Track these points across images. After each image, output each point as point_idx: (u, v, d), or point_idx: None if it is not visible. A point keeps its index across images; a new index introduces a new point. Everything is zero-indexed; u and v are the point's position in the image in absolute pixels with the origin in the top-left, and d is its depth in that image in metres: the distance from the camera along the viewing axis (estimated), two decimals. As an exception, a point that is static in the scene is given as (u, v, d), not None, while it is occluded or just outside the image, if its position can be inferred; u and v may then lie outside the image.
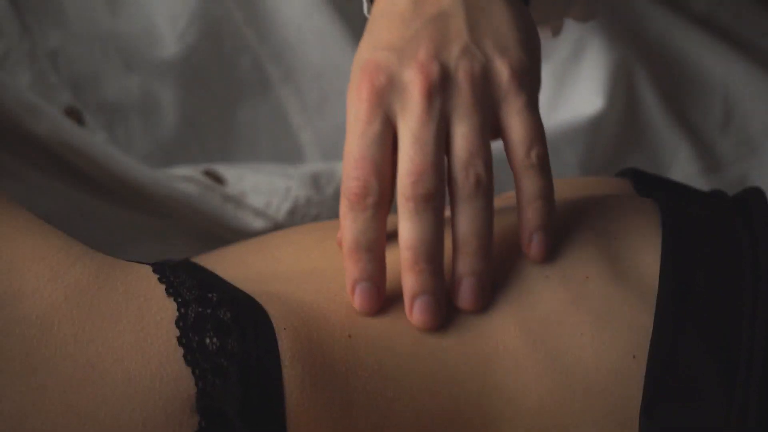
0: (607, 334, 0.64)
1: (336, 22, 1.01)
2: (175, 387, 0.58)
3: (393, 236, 0.68)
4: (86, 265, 0.61)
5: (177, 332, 0.60)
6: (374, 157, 0.66)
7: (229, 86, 1.00)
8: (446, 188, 0.67)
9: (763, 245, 0.67)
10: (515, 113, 0.68)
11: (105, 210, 0.89)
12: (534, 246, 0.67)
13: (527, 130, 0.67)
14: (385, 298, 0.65)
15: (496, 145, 0.70)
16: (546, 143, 0.68)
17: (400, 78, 0.67)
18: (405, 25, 0.68)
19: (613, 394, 0.63)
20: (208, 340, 0.60)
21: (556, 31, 0.87)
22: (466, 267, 0.66)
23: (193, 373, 0.59)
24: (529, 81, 0.68)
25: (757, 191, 0.74)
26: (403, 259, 0.65)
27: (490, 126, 0.68)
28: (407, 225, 0.65)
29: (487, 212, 0.66)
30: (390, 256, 0.67)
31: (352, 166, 0.66)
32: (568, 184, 0.82)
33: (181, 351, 0.59)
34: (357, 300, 0.65)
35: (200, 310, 0.61)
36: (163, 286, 0.62)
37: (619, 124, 1.06)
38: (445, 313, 0.65)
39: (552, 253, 0.67)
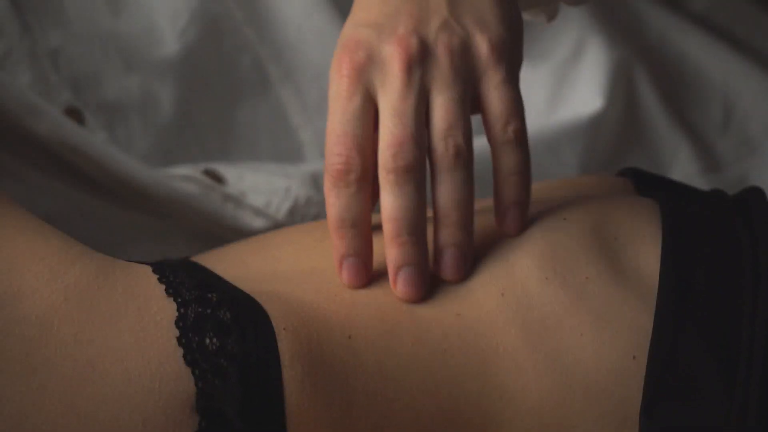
0: (607, 335, 0.64)
1: (336, 21, 1.01)
2: (175, 387, 0.58)
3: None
4: (86, 265, 0.61)
5: (177, 332, 0.60)
6: (355, 133, 0.67)
7: (229, 85, 1.00)
8: (427, 161, 0.67)
9: (763, 245, 0.67)
10: (494, 87, 0.68)
11: (105, 210, 0.89)
12: (509, 220, 0.68)
13: (505, 105, 0.68)
14: (383, 300, 0.65)
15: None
16: (524, 118, 0.69)
17: (380, 53, 0.67)
18: (385, 2, 0.69)
19: (613, 394, 0.63)
20: (207, 341, 0.60)
21: (551, 16, 0.87)
22: (447, 238, 0.67)
23: (193, 373, 0.59)
24: (508, 56, 0.69)
25: (757, 191, 0.74)
26: (386, 232, 0.66)
27: (470, 99, 0.68)
28: (388, 197, 0.66)
29: (467, 183, 0.67)
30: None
31: (333, 143, 0.67)
32: (568, 184, 0.82)
33: (180, 351, 0.59)
34: (344, 275, 0.66)
35: (200, 310, 0.61)
36: (163, 286, 0.62)
37: (619, 124, 1.06)
38: (429, 285, 0.66)
39: (525, 226, 0.68)
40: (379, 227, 0.68)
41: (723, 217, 0.70)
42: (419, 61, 0.67)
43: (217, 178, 0.92)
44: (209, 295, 0.62)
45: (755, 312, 0.65)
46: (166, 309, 0.61)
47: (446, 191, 0.67)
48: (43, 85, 0.91)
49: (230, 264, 0.70)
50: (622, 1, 1.09)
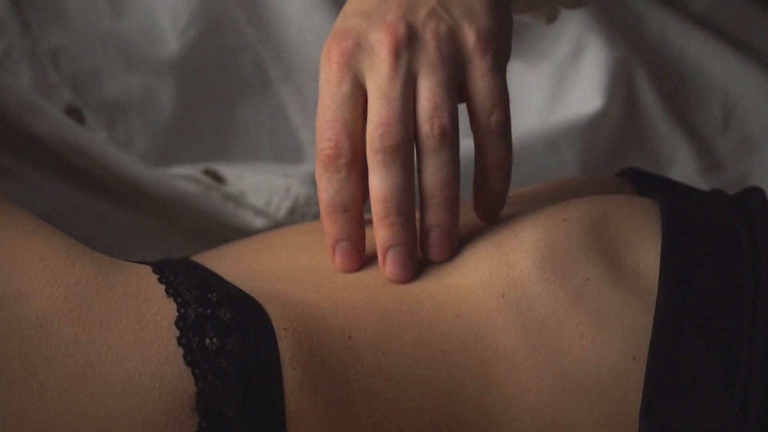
0: (607, 336, 0.64)
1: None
2: (175, 387, 0.58)
3: None
4: (86, 266, 0.61)
5: (177, 332, 0.60)
6: (345, 117, 0.67)
7: (229, 85, 1.00)
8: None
9: (763, 245, 0.67)
10: (479, 76, 0.69)
11: (105, 210, 0.89)
12: (487, 208, 0.70)
13: (489, 94, 0.69)
14: (384, 300, 0.65)
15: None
16: (508, 108, 0.70)
17: (368, 39, 0.68)
18: None
19: (613, 394, 0.63)
20: (208, 341, 0.60)
21: (551, 18, 0.87)
22: (432, 218, 0.67)
23: (193, 373, 0.59)
24: (495, 47, 0.69)
25: (757, 191, 0.74)
26: (374, 213, 0.67)
27: (457, 84, 0.69)
28: (376, 178, 0.67)
29: (453, 164, 0.67)
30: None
31: (323, 128, 0.67)
32: (567, 184, 0.82)
33: (180, 351, 0.59)
34: (337, 259, 0.68)
35: (200, 310, 0.61)
36: (163, 287, 0.62)
37: (619, 124, 1.06)
38: (417, 265, 0.67)
39: (500, 214, 0.70)
40: None
41: (723, 217, 0.70)
42: (407, 46, 0.68)
43: (217, 178, 0.92)
44: (209, 295, 0.62)
45: (755, 312, 0.65)
46: (166, 309, 0.61)
47: (432, 172, 0.67)
48: (44, 84, 0.91)
49: (230, 264, 0.70)
50: (622, 1, 1.09)
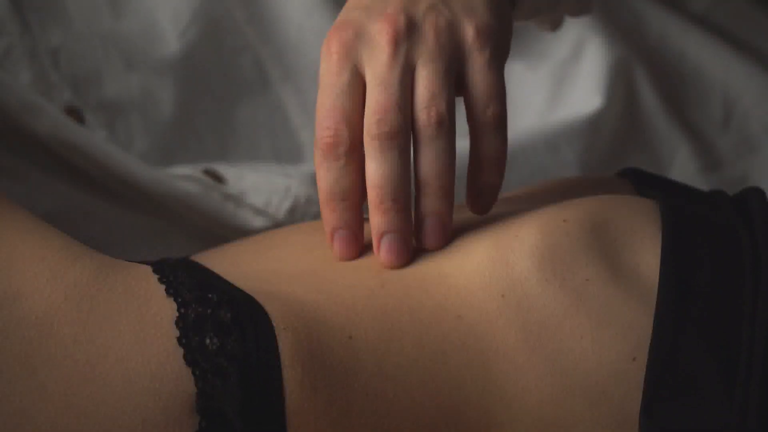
0: (607, 336, 0.64)
1: (336, 21, 1.01)
2: (175, 387, 0.58)
3: None
4: (86, 265, 0.61)
5: (177, 332, 0.60)
6: (344, 106, 0.68)
7: (229, 85, 1.00)
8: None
9: (763, 245, 0.67)
10: (477, 70, 0.69)
11: (105, 210, 0.89)
12: (481, 202, 0.71)
13: (486, 87, 0.69)
14: (384, 301, 0.65)
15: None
16: (505, 103, 0.71)
17: (368, 30, 0.69)
18: None
19: (613, 395, 0.63)
20: (208, 341, 0.60)
21: (556, 25, 0.87)
22: (427, 207, 0.68)
23: (193, 373, 0.59)
24: (494, 42, 0.70)
25: (757, 191, 0.74)
26: (370, 198, 0.68)
27: (454, 76, 0.69)
28: (373, 164, 0.67)
29: (448, 153, 0.68)
30: None
31: (323, 117, 0.68)
32: (567, 184, 0.82)
33: (181, 351, 0.59)
34: (335, 247, 0.69)
35: (200, 310, 0.61)
36: (163, 287, 0.62)
37: (619, 123, 1.06)
38: (411, 252, 0.68)
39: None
40: None
41: (723, 217, 0.70)
42: (406, 37, 0.68)
43: (217, 178, 0.92)
44: (209, 295, 0.62)
45: (755, 312, 0.65)
46: (166, 309, 0.61)
47: (428, 160, 0.68)
48: (44, 84, 0.91)
49: (230, 264, 0.70)
50: (622, 0, 1.09)
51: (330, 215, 0.69)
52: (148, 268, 0.63)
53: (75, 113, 0.92)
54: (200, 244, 0.91)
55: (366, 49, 0.69)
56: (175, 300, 0.61)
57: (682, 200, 0.72)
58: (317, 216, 0.93)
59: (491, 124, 0.70)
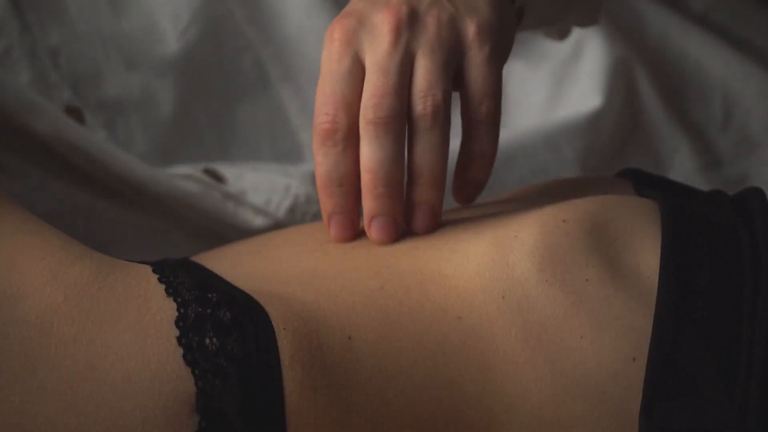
0: (607, 337, 0.64)
1: (337, 21, 1.01)
2: (175, 387, 0.58)
3: None
4: (86, 265, 0.61)
5: (177, 332, 0.60)
6: (343, 93, 0.69)
7: (229, 85, 1.00)
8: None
9: (763, 245, 0.67)
10: (475, 66, 0.70)
11: (105, 210, 0.89)
12: (465, 195, 0.73)
13: (483, 84, 0.70)
14: (384, 302, 0.65)
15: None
16: (500, 101, 0.72)
17: (371, 19, 0.70)
18: None
19: (613, 396, 0.63)
20: (207, 341, 0.60)
21: (564, 34, 0.88)
22: (419, 196, 0.70)
23: (193, 373, 0.59)
24: (494, 40, 0.71)
25: (757, 191, 0.74)
26: (363, 182, 0.69)
27: (452, 70, 0.70)
28: (367, 148, 0.68)
29: (442, 145, 0.69)
30: None
31: (322, 102, 0.69)
32: (567, 184, 0.82)
33: (180, 351, 0.59)
34: (332, 231, 0.71)
35: (200, 310, 0.61)
36: (163, 286, 0.62)
37: (619, 122, 1.06)
38: (401, 232, 0.70)
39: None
40: None
41: (723, 217, 0.70)
42: (408, 27, 0.69)
43: (217, 177, 0.92)
44: (209, 295, 0.62)
45: (755, 312, 0.65)
46: (166, 309, 0.61)
47: (422, 151, 0.69)
48: (43, 84, 0.91)
49: (230, 264, 0.70)
50: (622, 0, 1.09)
51: (327, 200, 0.70)
52: (148, 268, 0.63)
53: (75, 113, 0.92)
54: (200, 243, 0.91)
55: (368, 37, 0.69)
56: (175, 300, 0.61)
57: (682, 200, 0.72)
58: (317, 215, 0.93)
59: (484, 121, 0.71)
